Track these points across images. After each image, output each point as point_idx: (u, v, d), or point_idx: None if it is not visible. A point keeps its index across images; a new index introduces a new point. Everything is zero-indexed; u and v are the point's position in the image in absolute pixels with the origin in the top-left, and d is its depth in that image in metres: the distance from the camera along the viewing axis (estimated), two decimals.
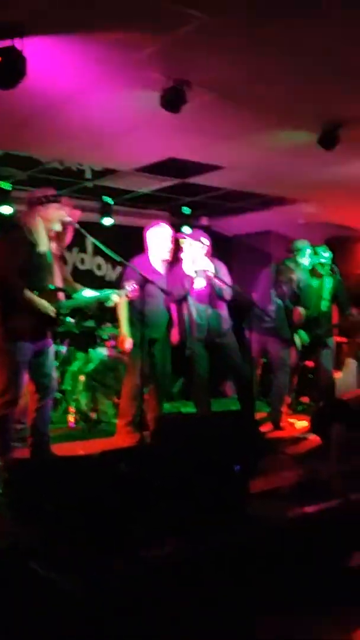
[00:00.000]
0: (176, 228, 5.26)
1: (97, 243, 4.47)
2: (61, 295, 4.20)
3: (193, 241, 5.18)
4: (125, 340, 4.99)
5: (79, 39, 3.30)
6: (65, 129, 4.68)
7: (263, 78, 3.80)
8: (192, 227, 7.06)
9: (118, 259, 4.50)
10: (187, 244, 5.17)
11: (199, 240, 5.20)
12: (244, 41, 3.35)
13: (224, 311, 5.31)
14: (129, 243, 5.28)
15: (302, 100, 4.13)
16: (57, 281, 4.20)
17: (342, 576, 3.57)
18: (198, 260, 5.14)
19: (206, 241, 5.23)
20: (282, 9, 2.99)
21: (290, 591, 3.37)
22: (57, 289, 4.17)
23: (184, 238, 5.20)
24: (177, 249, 5.21)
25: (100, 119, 4.51)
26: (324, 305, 6.18)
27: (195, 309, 5.24)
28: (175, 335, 5.32)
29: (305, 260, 5.98)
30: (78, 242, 7.12)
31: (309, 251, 6.02)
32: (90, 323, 6.11)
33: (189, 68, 3.67)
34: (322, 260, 6.11)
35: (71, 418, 5.65)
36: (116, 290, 4.48)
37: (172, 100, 3.83)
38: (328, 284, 6.16)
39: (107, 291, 4.47)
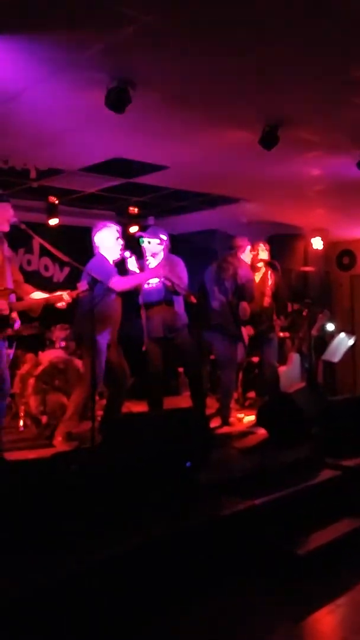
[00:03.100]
0: (123, 228, 5.25)
1: (44, 244, 4.45)
2: (12, 296, 4.16)
3: (151, 238, 5.20)
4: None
5: (24, 38, 3.29)
6: (9, 128, 4.63)
7: (206, 79, 3.88)
8: (139, 226, 7.10)
9: (65, 259, 4.49)
10: (145, 242, 5.17)
11: (158, 237, 5.23)
12: (186, 42, 3.40)
13: (179, 308, 5.31)
14: (76, 243, 5.26)
15: (244, 100, 4.23)
16: (8, 282, 4.16)
17: (291, 564, 3.70)
18: (157, 256, 5.17)
19: (164, 237, 5.26)
20: (223, 10, 3.06)
21: (242, 580, 3.47)
22: (8, 291, 4.12)
23: (142, 237, 5.20)
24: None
25: (45, 118, 4.49)
26: (266, 301, 6.32)
27: (149, 305, 5.24)
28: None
29: (246, 257, 6.09)
30: (24, 243, 7.04)
31: (249, 248, 6.14)
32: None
33: (133, 68, 3.70)
34: (263, 257, 6.25)
35: (21, 422, 5.59)
36: (66, 291, 4.44)
37: (117, 100, 3.83)
38: (269, 280, 6.29)
39: (57, 292, 4.43)
